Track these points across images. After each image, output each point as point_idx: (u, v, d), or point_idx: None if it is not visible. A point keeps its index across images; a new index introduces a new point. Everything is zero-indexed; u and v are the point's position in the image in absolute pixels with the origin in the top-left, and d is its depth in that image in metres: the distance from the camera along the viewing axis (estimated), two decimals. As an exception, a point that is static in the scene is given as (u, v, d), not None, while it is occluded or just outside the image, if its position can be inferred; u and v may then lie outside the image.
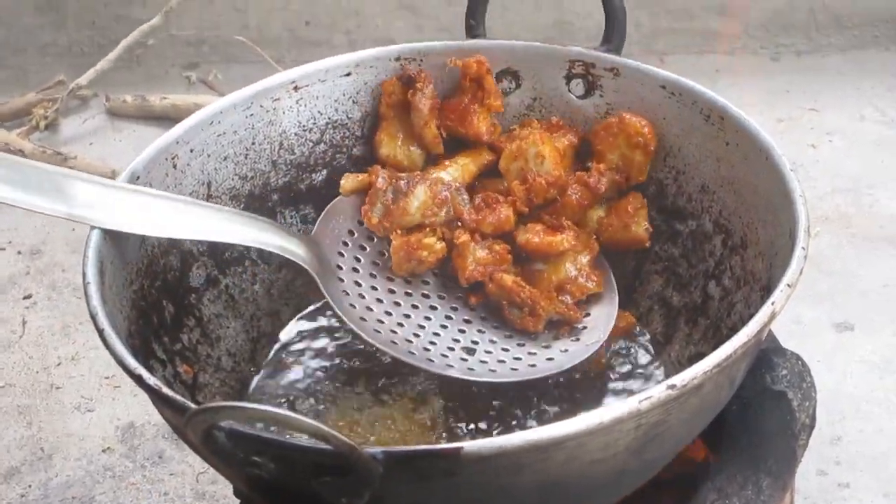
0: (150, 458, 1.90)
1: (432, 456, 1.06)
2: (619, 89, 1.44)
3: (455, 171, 1.41)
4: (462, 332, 1.33)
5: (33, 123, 2.57)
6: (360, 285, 1.35)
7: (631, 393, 1.30)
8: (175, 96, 2.66)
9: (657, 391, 1.04)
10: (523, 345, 1.32)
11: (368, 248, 1.38)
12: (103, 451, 1.95)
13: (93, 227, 1.23)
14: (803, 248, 1.16)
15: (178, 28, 2.70)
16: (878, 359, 2.01)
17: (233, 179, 1.42)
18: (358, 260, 1.37)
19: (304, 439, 1.04)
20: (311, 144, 1.50)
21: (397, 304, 1.34)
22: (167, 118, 2.64)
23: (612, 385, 1.37)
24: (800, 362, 1.32)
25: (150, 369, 1.15)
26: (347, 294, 1.33)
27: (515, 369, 1.28)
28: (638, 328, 1.42)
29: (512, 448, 1.02)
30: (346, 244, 1.38)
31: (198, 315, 1.39)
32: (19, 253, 2.31)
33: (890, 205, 2.29)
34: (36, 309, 2.20)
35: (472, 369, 1.27)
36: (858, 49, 2.61)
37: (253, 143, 1.44)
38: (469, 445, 1.02)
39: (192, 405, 1.06)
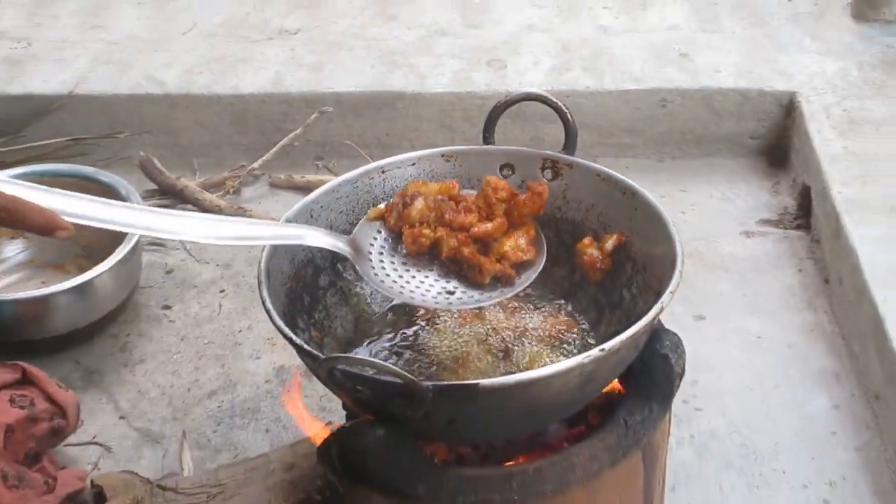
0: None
1: (461, 388, 1.06)
2: (573, 176, 1.42)
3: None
4: (448, 282, 1.26)
5: (226, 190, 2.58)
6: (382, 262, 1.28)
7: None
8: (310, 175, 2.66)
9: (594, 353, 1.05)
10: (483, 291, 1.24)
11: (390, 239, 1.31)
12: (265, 381, 1.95)
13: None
14: (679, 271, 1.17)
15: (311, 135, 2.70)
16: (718, 336, 2.03)
17: (344, 224, 1.40)
18: (382, 248, 1.30)
19: (385, 376, 1.04)
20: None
21: (407, 270, 1.27)
22: (305, 188, 2.63)
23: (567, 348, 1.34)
24: (676, 337, 1.31)
25: (296, 333, 1.15)
26: (374, 268, 1.27)
27: (479, 301, 1.23)
28: (580, 325, 1.38)
29: (508, 384, 1.02)
30: (375, 238, 1.31)
31: (324, 304, 1.38)
32: (217, 265, 2.31)
33: (727, 248, 2.29)
34: (227, 298, 2.21)
35: (450, 303, 1.23)
36: (709, 157, 2.60)
37: (357, 203, 1.43)
38: (483, 382, 1.02)
39: (321, 355, 1.07)
